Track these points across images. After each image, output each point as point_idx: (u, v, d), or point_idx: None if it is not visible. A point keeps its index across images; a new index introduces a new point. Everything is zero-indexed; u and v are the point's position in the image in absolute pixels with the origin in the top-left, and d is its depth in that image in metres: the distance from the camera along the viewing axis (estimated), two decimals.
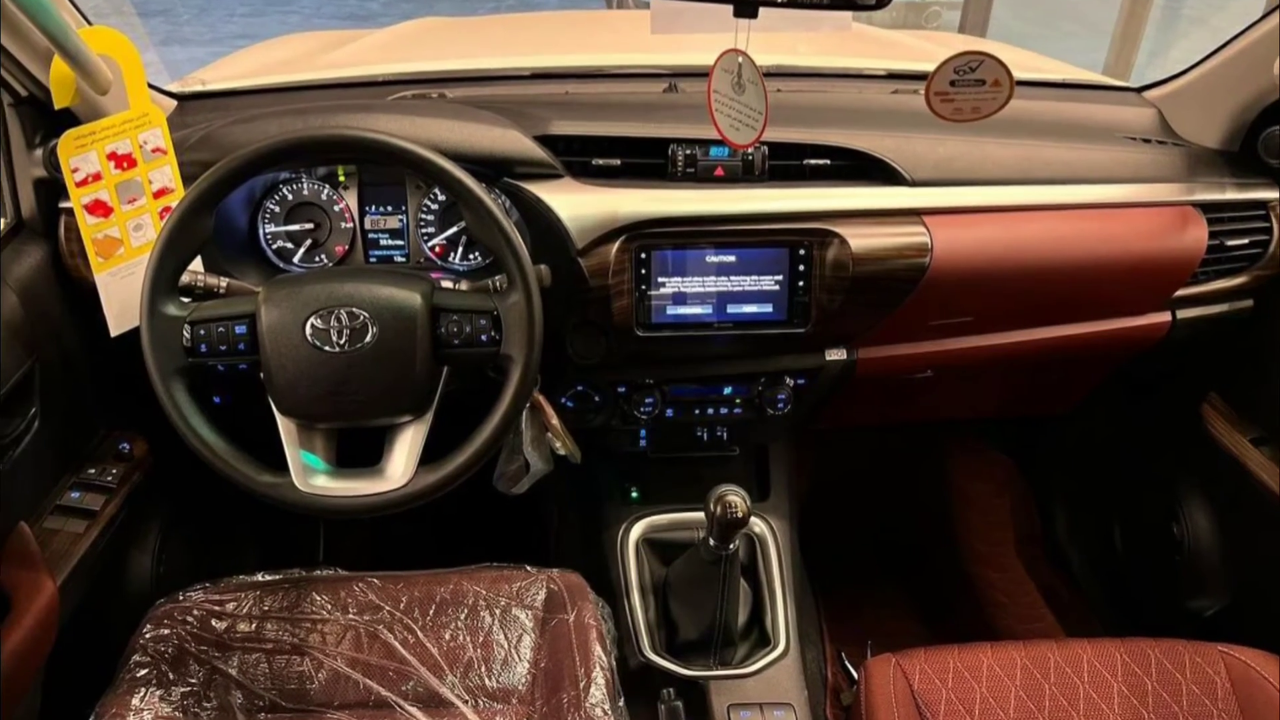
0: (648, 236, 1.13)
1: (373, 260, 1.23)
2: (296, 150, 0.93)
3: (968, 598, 1.74)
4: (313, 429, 0.97)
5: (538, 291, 0.95)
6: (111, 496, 1.14)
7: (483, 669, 1.03)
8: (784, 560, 1.35)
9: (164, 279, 0.92)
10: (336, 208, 1.21)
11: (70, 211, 1.08)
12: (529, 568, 1.14)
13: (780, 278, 1.16)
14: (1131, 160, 1.25)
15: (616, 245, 1.12)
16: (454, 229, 1.21)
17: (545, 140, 1.13)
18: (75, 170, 1.05)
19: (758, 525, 1.38)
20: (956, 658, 1.05)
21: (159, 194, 1.09)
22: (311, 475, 0.96)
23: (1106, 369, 1.48)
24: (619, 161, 1.15)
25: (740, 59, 0.93)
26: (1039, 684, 1.03)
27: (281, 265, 1.22)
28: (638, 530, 1.38)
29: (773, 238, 1.15)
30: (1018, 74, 0.92)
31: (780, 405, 1.28)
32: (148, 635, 1.04)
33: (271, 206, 1.21)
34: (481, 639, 1.06)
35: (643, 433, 1.37)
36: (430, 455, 0.97)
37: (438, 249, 1.23)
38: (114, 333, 1.08)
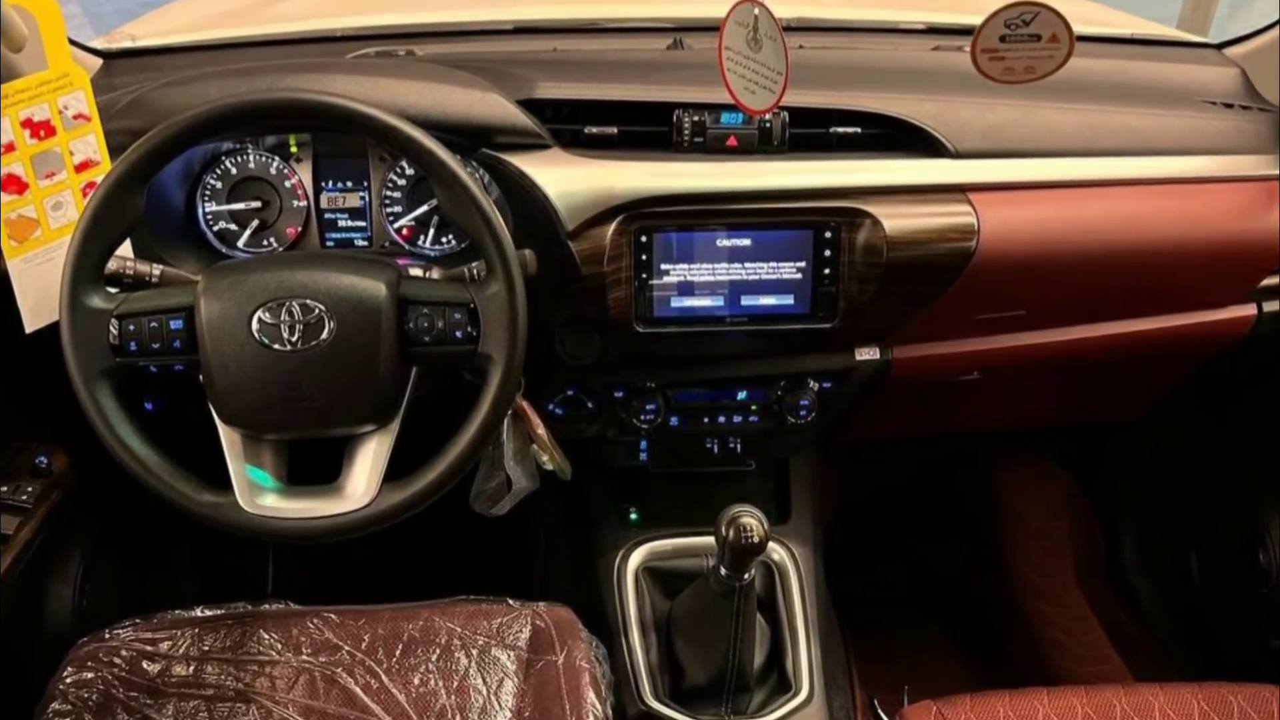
0: (649, 217, 1.13)
1: (330, 244, 1.23)
2: (241, 116, 0.93)
3: (1020, 636, 1.74)
4: (260, 440, 0.97)
5: (521, 281, 0.95)
6: (26, 518, 1.14)
7: (457, 719, 1.03)
8: (807, 592, 1.35)
9: (87, 266, 0.92)
10: (288, 183, 1.21)
11: None
12: (511, 601, 1.14)
13: (803, 264, 1.16)
14: (1210, 128, 1.25)
15: (613, 227, 1.12)
16: (424, 208, 1.21)
17: (530, 105, 1.13)
18: None
19: (776, 552, 1.38)
20: (1008, 705, 1.05)
21: (82, 167, 1.09)
22: (259, 494, 0.95)
23: (1181, 371, 1.48)
24: (615, 130, 1.15)
25: (756, 10, 0.93)
26: None
27: (224, 250, 1.22)
28: (637, 557, 1.38)
29: (794, 218, 1.14)
30: (1078, 28, 0.92)
31: (803, 413, 1.28)
32: (68, 679, 1.03)
33: (212, 182, 1.21)
34: (456, 684, 1.06)
35: (643, 444, 1.37)
36: (396, 471, 0.97)
37: (405, 231, 1.23)
38: (29, 328, 1.08)
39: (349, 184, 1.22)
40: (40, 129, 1.06)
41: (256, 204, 1.21)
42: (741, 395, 1.29)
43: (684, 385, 1.28)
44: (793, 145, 1.16)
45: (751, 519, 1.08)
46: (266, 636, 1.09)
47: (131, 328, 0.93)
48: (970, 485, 1.91)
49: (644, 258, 1.14)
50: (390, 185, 1.22)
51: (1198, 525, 1.66)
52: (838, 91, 1.19)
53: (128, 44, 1.33)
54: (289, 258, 1.13)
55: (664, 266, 1.15)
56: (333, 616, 1.11)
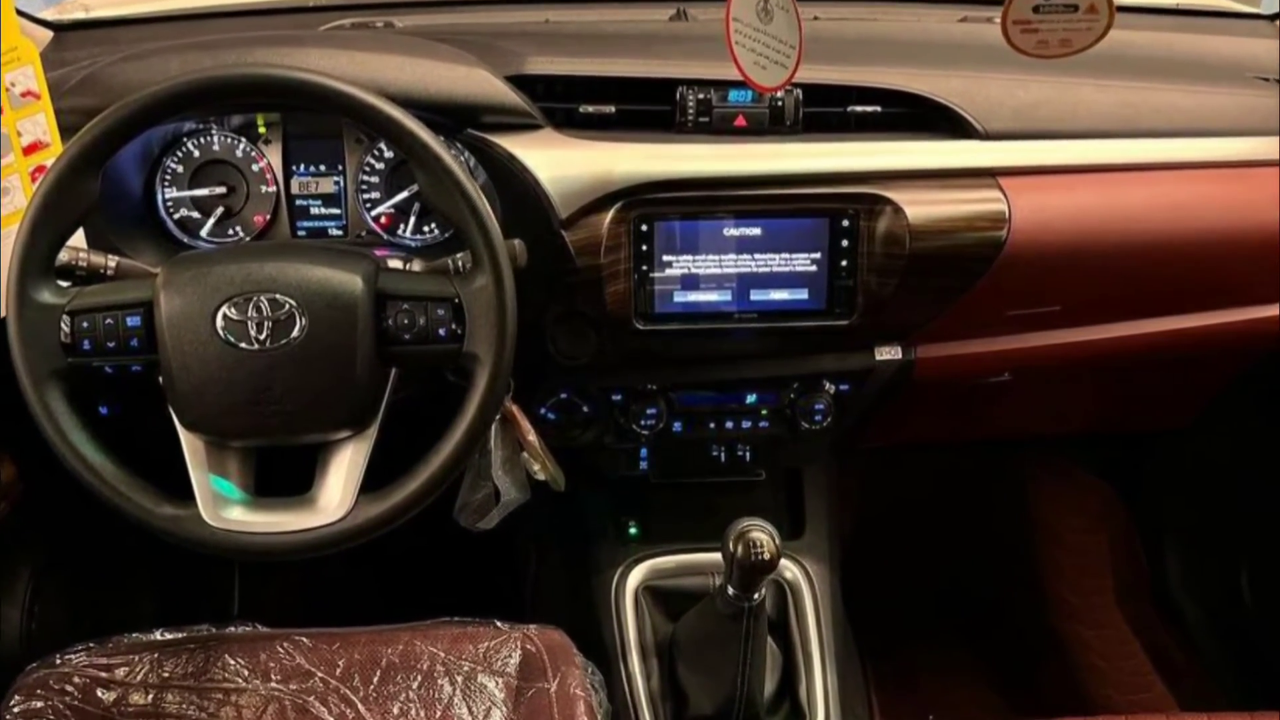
0: (650, 203, 1.13)
1: (301, 233, 1.23)
2: (204, 94, 0.93)
3: (1054, 661, 1.74)
4: (225, 448, 0.97)
5: (510, 274, 0.95)
6: None
7: None
8: (822, 614, 1.36)
9: (37, 257, 0.92)
10: (255, 167, 1.21)
11: None
12: (499, 624, 1.14)
13: (818, 256, 1.16)
14: (1263, 106, 1.25)
15: (610, 215, 1.12)
16: (404, 194, 1.22)
17: (520, 81, 1.13)
18: None
19: (789, 569, 1.38)
20: None
21: (30, 149, 1.08)
22: (224, 506, 0.96)
23: (1229, 371, 1.48)
24: (613, 108, 1.15)
25: None
26: None
27: (186, 240, 1.22)
28: (637, 575, 1.38)
29: (808, 205, 1.15)
30: None
31: (818, 417, 1.28)
32: (16, 709, 1.03)
33: (173, 166, 1.21)
34: (439, 714, 1.06)
35: (644, 452, 1.37)
36: (374, 481, 0.97)
37: (384, 219, 1.23)
38: None
39: (322, 168, 1.22)
40: None
41: (221, 189, 1.21)
42: (751, 398, 1.29)
43: (688, 387, 1.28)
44: (807, 125, 1.16)
45: (762, 534, 1.08)
46: (232, 662, 1.09)
47: (85, 325, 0.93)
48: (1001, 497, 1.91)
49: (644, 248, 1.14)
50: (367, 169, 1.22)
51: (1249, 540, 1.66)
52: (856, 67, 1.19)
53: (81, 15, 1.33)
54: (256, 248, 1.13)
55: (666, 258, 1.15)
56: (304, 640, 1.11)
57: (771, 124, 1.15)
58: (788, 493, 1.49)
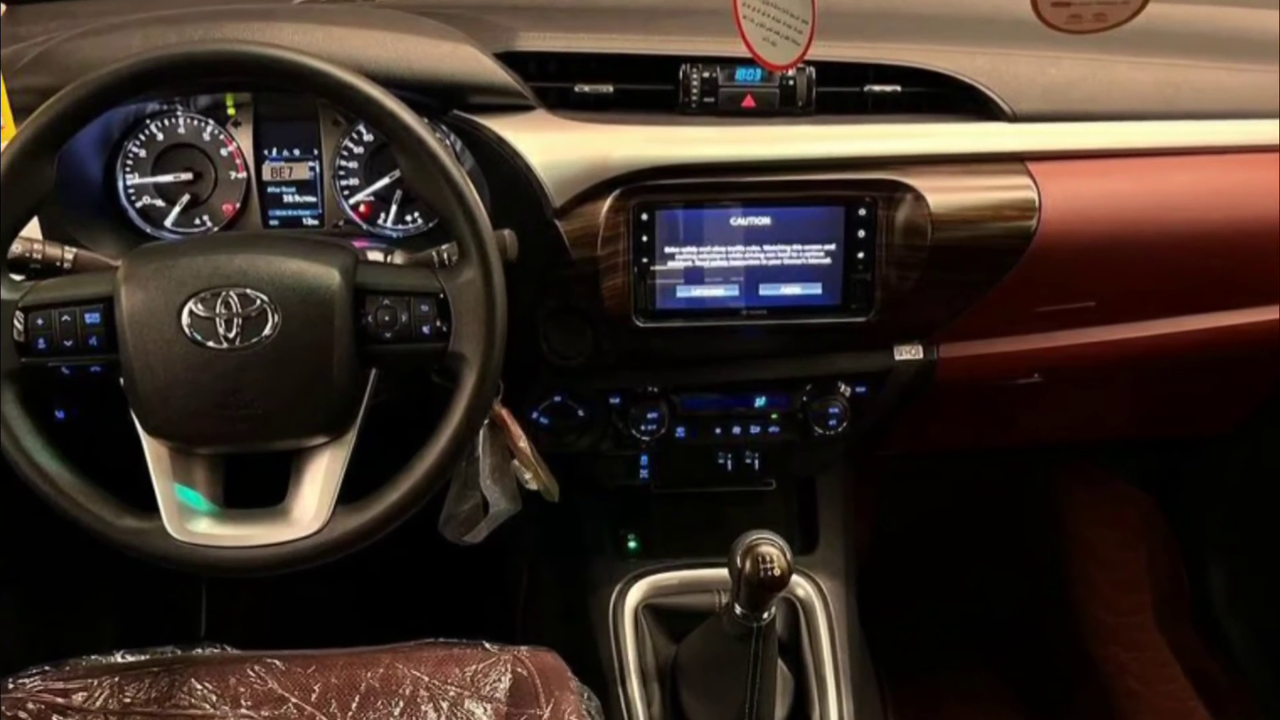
0: (651, 191, 1.13)
1: (274, 223, 1.24)
2: (169, 72, 0.93)
3: (1089, 685, 1.74)
4: (192, 455, 0.97)
5: (499, 267, 0.95)
6: None
7: None
8: (837, 634, 1.36)
9: None
10: (224, 152, 1.22)
11: None
12: (488, 645, 1.14)
13: (832, 248, 1.16)
14: None
15: (608, 203, 1.12)
16: (385, 181, 1.22)
17: (510, 59, 1.13)
18: None
19: (801, 586, 1.38)
20: None
21: None
22: (190, 518, 0.96)
23: (1278, 373, 1.48)
24: (611, 88, 1.16)
25: None
26: None
27: (149, 230, 1.22)
28: (637, 593, 1.39)
29: (822, 193, 1.15)
30: None
31: (832, 422, 1.28)
32: None
33: (135, 150, 1.21)
34: None
35: (644, 459, 1.38)
36: (352, 492, 0.97)
37: (363, 208, 1.23)
38: None
39: (296, 152, 1.22)
40: None
41: (187, 176, 1.21)
42: (760, 401, 1.29)
43: (691, 390, 1.28)
44: (820, 106, 1.16)
45: (772, 548, 1.08)
46: (199, 687, 1.09)
47: (40, 322, 0.93)
48: (1030, 508, 1.91)
49: (645, 239, 1.15)
50: (345, 154, 1.22)
51: None
52: (874, 43, 1.19)
53: None
54: (225, 239, 1.13)
55: (668, 250, 1.16)
56: (277, 663, 1.11)
57: (782, 105, 1.16)
58: (800, 504, 1.49)
